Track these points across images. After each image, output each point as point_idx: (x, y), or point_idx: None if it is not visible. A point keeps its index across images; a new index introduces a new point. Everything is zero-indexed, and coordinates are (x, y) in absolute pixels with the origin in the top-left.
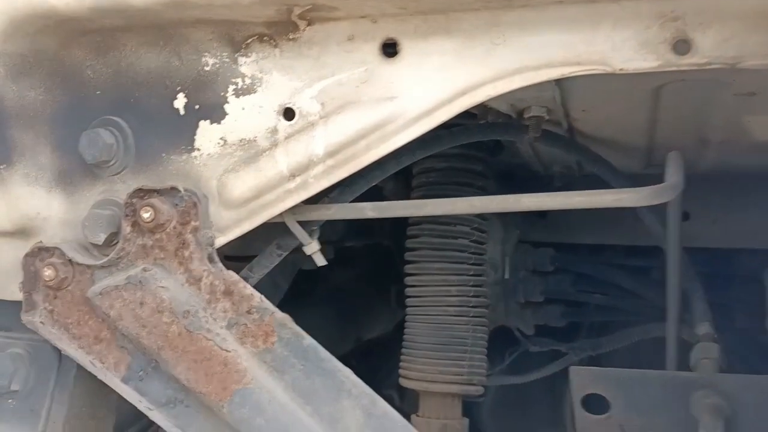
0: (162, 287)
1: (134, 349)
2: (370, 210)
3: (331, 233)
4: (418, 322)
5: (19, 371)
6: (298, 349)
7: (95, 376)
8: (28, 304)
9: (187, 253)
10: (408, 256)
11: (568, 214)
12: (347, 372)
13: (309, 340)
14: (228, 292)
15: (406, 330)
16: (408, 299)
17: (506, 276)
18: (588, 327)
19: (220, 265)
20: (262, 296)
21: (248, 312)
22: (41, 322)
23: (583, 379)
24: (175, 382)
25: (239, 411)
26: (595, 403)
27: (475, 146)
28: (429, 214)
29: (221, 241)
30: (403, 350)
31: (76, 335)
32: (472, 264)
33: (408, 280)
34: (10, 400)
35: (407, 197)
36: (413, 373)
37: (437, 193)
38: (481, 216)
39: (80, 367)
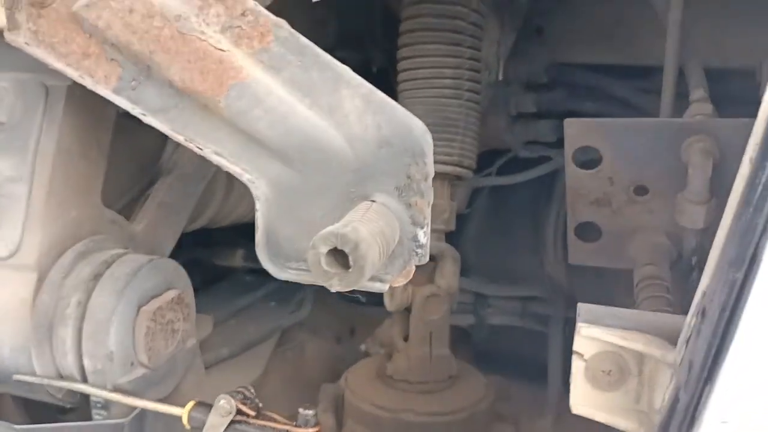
0: None
1: (125, 61)
2: None
3: (320, 39)
4: (410, 104)
5: (5, 101)
6: (294, 46)
7: (85, 112)
8: (10, 22)
9: None
10: (402, 37)
11: (565, 30)
12: (345, 67)
13: (305, 40)
14: None
15: None
16: (401, 83)
17: (500, 77)
18: None
19: None
20: (256, 2)
21: (242, 15)
22: (26, 43)
23: (576, 131)
24: (169, 87)
25: (236, 104)
26: (589, 161)
27: None
28: None
29: None
30: None
31: (63, 53)
32: (468, 47)
33: (402, 63)
34: None
35: None
36: None
37: None
38: (479, 10)
39: (68, 101)
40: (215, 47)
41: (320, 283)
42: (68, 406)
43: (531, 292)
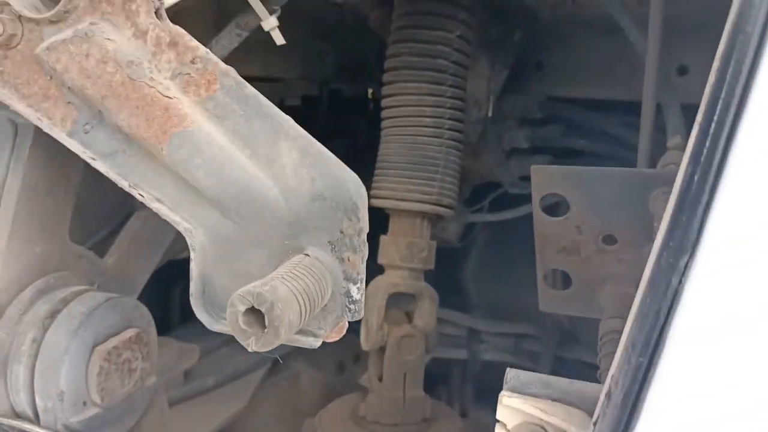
0: (108, 39)
1: (80, 104)
2: None
3: (317, 71)
4: (391, 141)
5: None
6: (239, 96)
7: (53, 150)
8: None
9: (134, 7)
10: (386, 75)
11: (564, 66)
12: (287, 117)
13: (251, 89)
14: (173, 44)
15: (380, 149)
16: (383, 120)
17: (489, 114)
18: None
19: (167, 20)
20: (208, 50)
21: (192, 62)
22: None
23: (542, 178)
24: (119, 132)
25: (177, 152)
26: (556, 208)
27: None
28: None
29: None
30: (376, 169)
31: (25, 94)
32: (450, 86)
33: (384, 100)
34: None
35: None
36: (383, 191)
37: (417, 22)
38: (465, 49)
39: (36, 141)
40: (163, 94)
41: (238, 339)
42: None
43: (523, 330)
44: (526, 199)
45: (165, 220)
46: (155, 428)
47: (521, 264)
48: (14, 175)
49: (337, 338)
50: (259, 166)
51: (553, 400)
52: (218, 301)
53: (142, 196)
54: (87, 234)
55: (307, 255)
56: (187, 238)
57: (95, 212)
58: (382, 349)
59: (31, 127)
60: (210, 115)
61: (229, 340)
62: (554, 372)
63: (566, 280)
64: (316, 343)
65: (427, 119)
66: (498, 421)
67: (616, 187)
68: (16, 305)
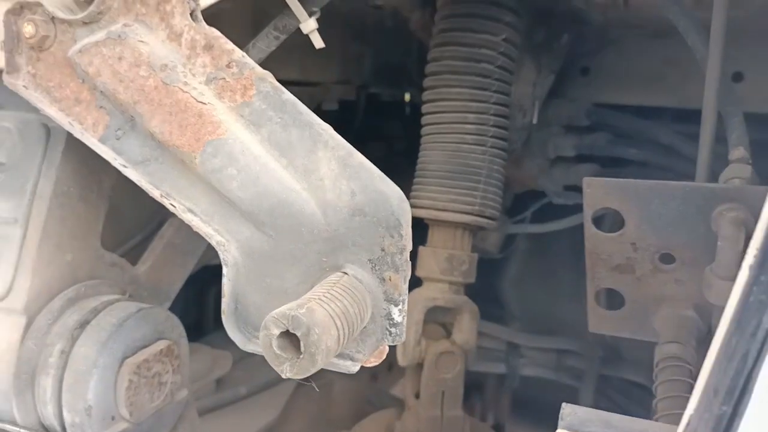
0: (141, 42)
1: (113, 109)
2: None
3: (355, 75)
4: (432, 149)
5: (6, 142)
6: (276, 102)
7: (86, 155)
8: (10, 65)
9: (168, 8)
10: (427, 80)
11: (611, 71)
12: (325, 126)
13: (288, 95)
14: (208, 47)
15: (419, 158)
16: (424, 126)
17: (534, 121)
18: None
19: (203, 21)
20: (244, 53)
21: (228, 66)
22: (24, 86)
23: (596, 191)
24: (151, 139)
25: (211, 161)
26: (610, 222)
27: None
28: None
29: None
30: (415, 178)
31: (57, 98)
32: (495, 91)
33: (425, 106)
34: None
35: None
36: (423, 201)
37: (462, 25)
38: (511, 53)
39: (68, 145)
40: (197, 100)
41: (272, 365)
42: None
43: (565, 345)
44: (570, 209)
45: None
46: None
47: (563, 276)
48: (46, 180)
49: (377, 363)
50: (296, 177)
51: None
52: (251, 319)
53: (173, 206)
54: (119, 241)
55: (345, 273)
56: (219, 253)
57: (127, 219)
58: (419, 366)
59: (63, 131)
60: (245, 123)
61: None
62: (598, 391)
63: (618, 301)
64: (354, 368)
65: (470, 126)
66: None
67: (675, 203)
68: (46, 315)
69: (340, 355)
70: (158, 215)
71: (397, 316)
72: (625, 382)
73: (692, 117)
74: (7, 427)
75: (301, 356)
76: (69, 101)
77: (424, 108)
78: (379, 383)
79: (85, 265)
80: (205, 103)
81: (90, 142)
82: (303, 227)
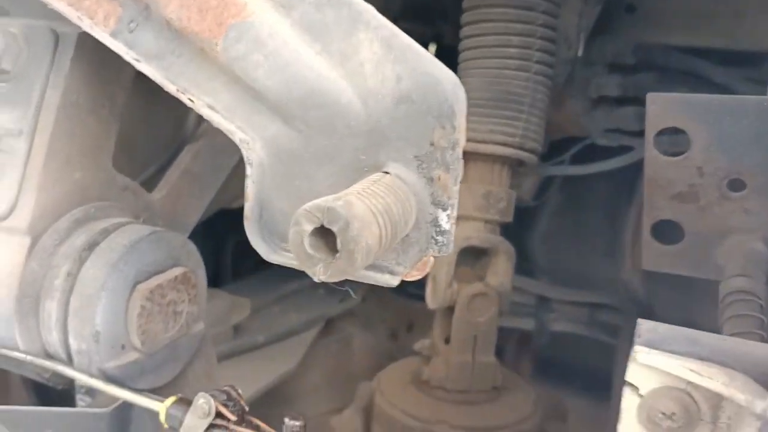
0: None
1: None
2: None
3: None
4: (470, 75)
5: (11, 48)
6: None
7: (97, 64)
8: None
9: None
10: (467, 1)
11: (658, 9)
12: (366, 4)
13: None
14: None
15: None
16: (462, 52)
17: (579, 53)
18: None
19: None
20: None
21: None
22: None
23: (660, 108)
24: (167, 30)
25: (234, 47)
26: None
27: None
28: None
29: None
30: None
31: None
32: (542, 12)
33: (464, 29)
34: (1, 83)
35: None
36: None
37: None
38: None
39: (78, 52)
40: None
41: (303, 267)
42: (59, 387)
43: (601, 299)
44: (611, 154)
45: (219, 157)
46: (201, 381)
47: (595, 230)
48: (54, 89)
49: (420, 276)
50: (331, 63)
51: (703, 359)
52: (277, 227)
53: (191, 101)
54: (134, 170)
55: (387, 173)
56: (243, 152)
57: (143, 147)
58: (450, 309)
59: (73, 38)
60: (274, 4)
61: (282, 298)
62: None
63: (677, 234)
64: (393, 281)
65: (513, 50)
66: (628, 383)
67: (749, 120)
68: (51, 235)
69: (378, 267)
70: (174, 143)
71: (444, 222)
72: None
73: (743, 59)
74: (10, 353)
75: (338, 255)
76: None
77: (463, 31)
78: (399, 342)
79: (94, 185)
80: None
81: (101, 37)
82: (338, 119)
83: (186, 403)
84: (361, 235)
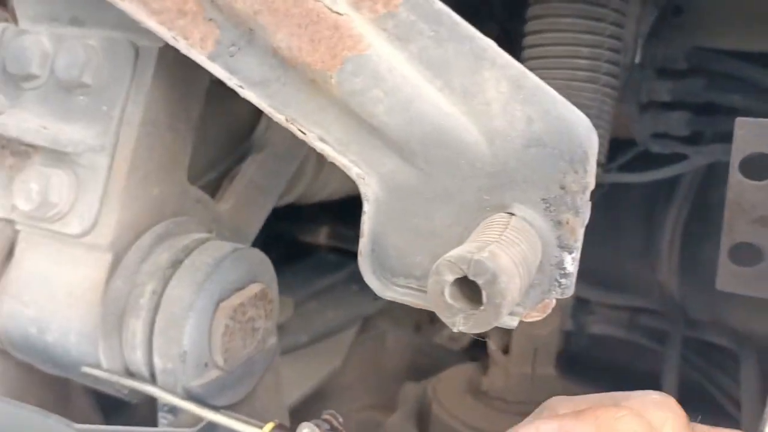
0: None
1: (225, 22)
2: None
3: None
4: None
5: (92, 62)
6: (427, 12)
7: (175, 79)
8: None
9: None
10: (533, 8)
11: (709, 12)
12: (489, 41)
13: (440, 4)
14: None
15: None
16: (526, 61)
17: (636, 60)
18: (713, 136)
19: None
20: None
21: None
22: None
23: (749, 133)
24: (273, 56)
25: (351, 81)
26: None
27: None
28: None
29: None
30: None
31: (156, 10)
32: (611, 23)
33: (528, 38)
34: (81, 97)
35: None
36: None
37: None
38: None
39: (159, 67)
40: (331, 9)
41: (441, 316)
42: (134, 402)
43: (640, 302)
44: (658, 159)
45: (280, 166)
46: (270, 394)
47: (630, 232)
48: (134, 106)
49: (539, 318)
50: (454, 101)
51: None
52: (389, 263)
53: (303, 133)
54: (196, 175)
55: (512, 214)
56: (359, 187)
57: (205, 154)
58: None
59: (153, 52)
60: (390, 37)
61: (316, 295)
62: (683, 358)
63: (754, 257)
64: (513, 322)
65: (583, 62)
66: None
67: None
68: (135, 252)
69: None
70: (234, 152)
71: (569, 265)
72: (705, 344)
73: None
74: (95, 372)
75: (482, 308)
76: (171, 13)
77: (527, 40)
78: (422, 334)
79: (171, 200)
80: (341, 14)
81: (199, 59)
82: (462, 159)
83: (285, 430)
84: (508, 288)
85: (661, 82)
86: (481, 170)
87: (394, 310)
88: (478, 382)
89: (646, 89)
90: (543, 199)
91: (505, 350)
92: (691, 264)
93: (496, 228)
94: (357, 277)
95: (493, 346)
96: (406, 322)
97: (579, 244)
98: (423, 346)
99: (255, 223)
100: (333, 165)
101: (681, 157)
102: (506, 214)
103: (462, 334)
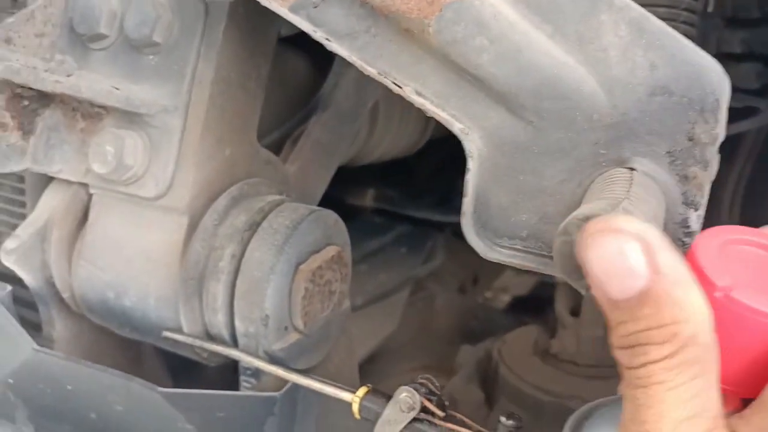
0: None
1: None
2: None
3: None
4: None
5: (162, 19)
6: None
7: (246, 36)
8: None
9: None
10: None
11: None
12: None
13: None
14: None
15: None
16: None
17: (710, 9)
18: None
19: None
20: None
21: None
22: None
23: None
24: (360, 6)
25: (451, 30)
26: None
27: None
28: None
29: None
30: None
31: None
32: None
33: None
34: (150, 57)
35: None
36: None
37: None
38: None
39: (230, 22)
40: None
41: (568, 279)
42: (212, 365)
43: None
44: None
45: (343, 125)
46: (342, 357)
47: None
48: (206, 63)
49: None
50: (567, 48)
51: None
52: (492, 223)
53: (398, 87)
54: (262, 135)
55: (632, 169)
56: (462, 143)
57: (267, 113)
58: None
59: (223, 7)
60: None
61: (366, 257)
62: None
63: None
64: None
65: (662, 10)
66: None
67: None
68: (212, 214)
69: None
70: (299, 111)
71: (694, 223)
72: None
73: None
74: (177, 336)
75: None
76: None
77: None
78: (467, 295)
79: (243, 161)
80: None
81: (280, 11)
82: (578, 111)
83: (379, 394)
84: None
85: (732, 32)
86: (599, 122)
87: (441, 272)
88: (545, 345)
89: (715, 40)
90: (668, 152)
91: (573, 313)
92: (753, 223)
93: (619, 184)
94: (404, 240)
95: (561, 308)
96: (452, 284)
97: (705, 201)
98: (472, 308)
99: (320, 185)
100: (383, 126)
101: (750, 112)
102: (626, 169)
103: (504, 293)
